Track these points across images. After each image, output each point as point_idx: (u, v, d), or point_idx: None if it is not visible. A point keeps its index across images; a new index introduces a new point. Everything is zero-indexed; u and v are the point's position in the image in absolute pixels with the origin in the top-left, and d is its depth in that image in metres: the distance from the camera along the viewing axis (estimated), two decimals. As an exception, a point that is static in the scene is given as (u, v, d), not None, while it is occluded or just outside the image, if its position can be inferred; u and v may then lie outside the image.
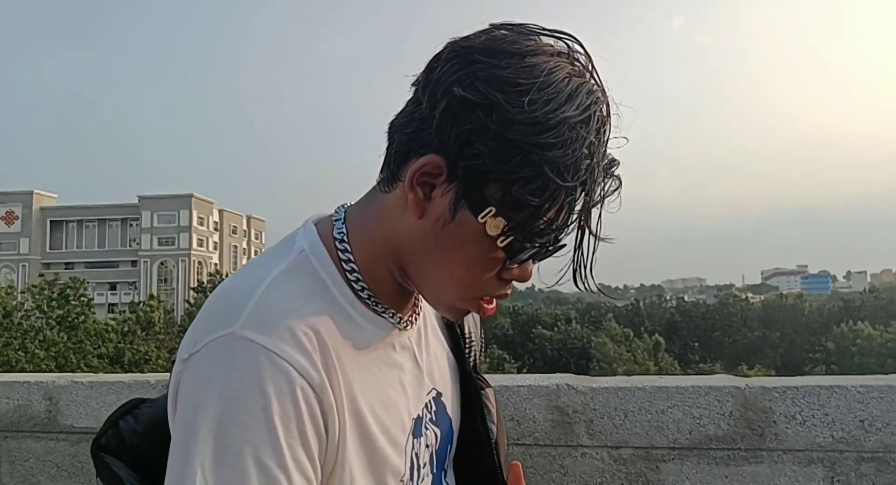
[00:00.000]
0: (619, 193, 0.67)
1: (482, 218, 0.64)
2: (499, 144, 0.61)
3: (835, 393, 1.74)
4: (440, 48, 0.66)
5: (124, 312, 42.95)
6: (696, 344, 56.85)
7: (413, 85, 0.68)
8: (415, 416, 0.75)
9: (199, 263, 69.35)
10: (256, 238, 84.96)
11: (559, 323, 50.65)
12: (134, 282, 68.08)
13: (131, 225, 69.62)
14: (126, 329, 37.24)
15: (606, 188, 0.66)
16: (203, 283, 54.50)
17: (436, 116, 0.63)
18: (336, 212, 0.75)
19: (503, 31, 0.64)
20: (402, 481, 0.72)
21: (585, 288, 0.68)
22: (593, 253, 0.67)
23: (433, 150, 0.64)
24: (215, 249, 73.36)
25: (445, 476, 0.84)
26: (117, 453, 0.72)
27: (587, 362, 42.09)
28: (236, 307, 0.64)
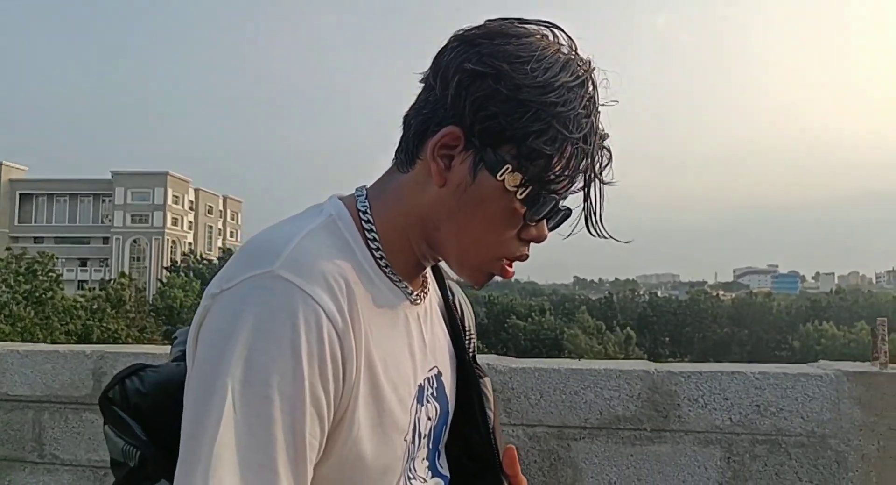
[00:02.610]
0: (611, 164, 0.76)
1: (500, 175, 0.71)
2: (510, 104, 0.69)
3: (735, 379, 1.85)
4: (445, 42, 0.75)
5: (94, 289, 42.19)
6: (667, 339, 57.67)
7: (421, 81, 0.76)
8: (420, 383, 0.80)
9: (173, 242, 68.33)
10: (232, 219, 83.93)
11: (533, 314, 51.01)
12: (105, 259, 66.89)
13: (104, 201, 68.18)
14: (95, 306, 36.61)
15: (603, 163, 0.75)
16: (176, 262, 53.82)
17: (449, 92, 0.71)
18: (357, 190, 0.81)
19: (497, 22, 0.74)
20: (405, 440, 0.76)
21: (597, 233, 0.76)
22: (601, 201, 0.75)
23: (449, 122, 0.72)
24: (190, 228, 72.33)
25: (439, 458, 0.87)
26: (122, 408, 0.76)
27: (559, 354, 42.49)
28: (273, 251, 0.68)
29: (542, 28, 0.75)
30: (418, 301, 0.82)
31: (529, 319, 49.64)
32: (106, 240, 67.46)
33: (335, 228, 0.75)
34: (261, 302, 0.65)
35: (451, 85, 0.71)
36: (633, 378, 1.89)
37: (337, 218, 0.76)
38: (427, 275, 0.87)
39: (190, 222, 72.42)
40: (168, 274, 48.00)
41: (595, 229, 0.76)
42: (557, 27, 0.75)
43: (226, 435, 0.61)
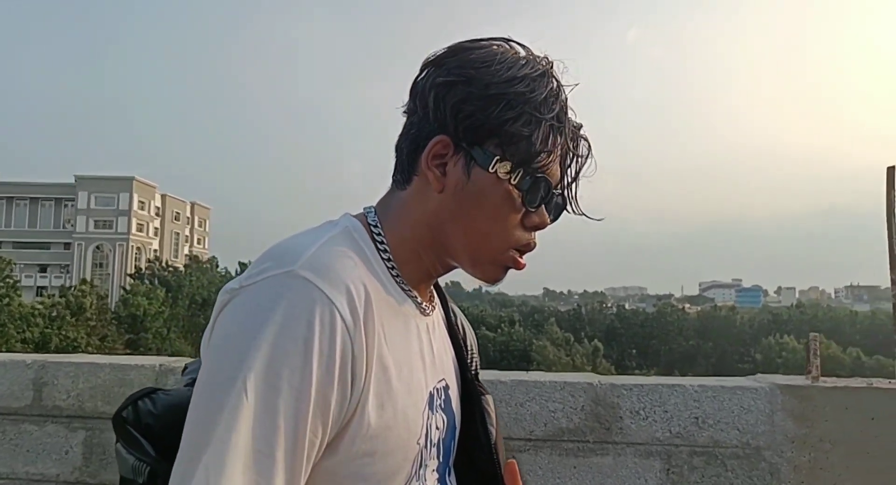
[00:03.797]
0: (591, 153, 0.84)
1: (492, 168, 0.78)
2: (484, 101, 0.77)
3: (675, 392, 1.89)
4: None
5: (54, 296, 40.96)
6: (634, 351, 58.40)
7: (404, 113, 0.84)
8: (430, 391, 0.82)
9: (138, 248, 66.85)
10: (200, 226, 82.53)
11: (503, 325, 51.20)
12: (66, 265, 65.10)
13: (66, 205, 66.44)
14: (54, 314, 35.63)
15: (580, 147, 0.83)
16: (141, 269, 52.56)
17: (430, 107, 0.79)
18: (365, 209, 0.86)
19: (457, 43, 0.83)
20: (417, 443, 0.78)
21: (573, 211, 0.85)
22: (577, 178, 0.84)
23: (436, 134, 0.79)
24: (156, 235, 70.85)
25: (449, 474, 0.88)
26: (134, 427, 0.79)
27: (528, 365, 42.67)
28: (295, 254, 0.72)
29: (497, 41, 0.83)
30: (427, 313, 0.86)
31: (499, 330, 49.77)
32: (67, 246, 65.67)
33: (352, 238, 0.79)
34: (279, 298, 0.68)
35: (429, 101, 0.79)
36: (578, 391, 1.92)
37: (352, 230, 0.80)
38: (433, 293, 0.91)
39: (156, 229, 70.98)
40: (132, 281, 46.80)
41: (571, 206, 0.84)
42: (513, 40, 0.83)
43: (234, 421, 0.64)
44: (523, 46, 0.83)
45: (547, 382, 1.92)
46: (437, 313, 0.92)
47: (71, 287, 41.16)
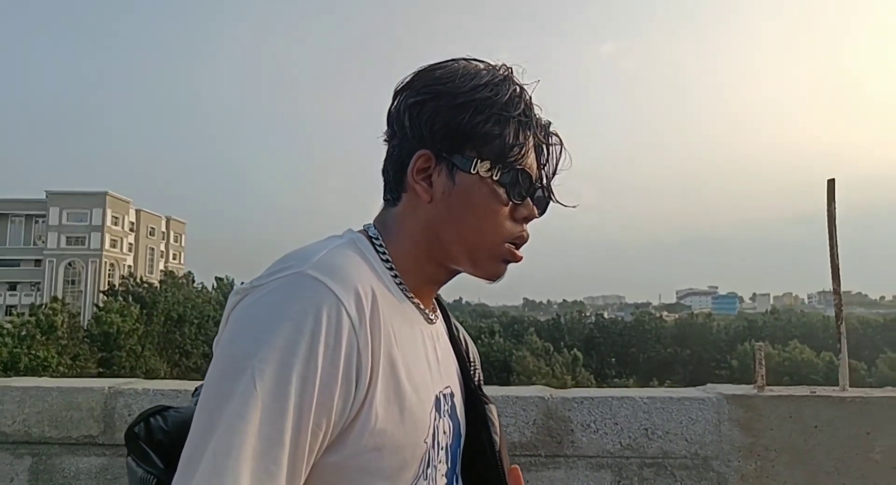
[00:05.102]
0: (564, 148, 0.90)
1: (474, 169, 0.84)
2: (454, 111, 0.83)
3: (624, 404, 1.91)
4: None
5: (23, 314, 39.93)
6: (613, 359, 58.66)
7: (385, 141, 0.90)
8: (437, 394, 0.84)
9: (112, 264, 65.60)
10: (176, 241, 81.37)
11: (483, 336, 51.11)
12: (37, 283, 63.65)
13: (37, 222, 65.13)
14: (24, 333, 34.74)
15: (551, 138, 0.89)
16: (115, 286, 51.59)
17: (407, 127, 0.85)
18: (365, 225, 0.91)
19: (419, 68, 0.89)
20: (425, 441, 0.80)
21: (548, 198, 0.90)
22: (552, 167, 0.90)
23: (417, 150, 0.85)
24: (130, 250, 69.64)
25: (456, 481, 0.90)
26: (146, 442, 0.83)
27: (508, 376, 42.66)
28: (304, 258, 0.76)
29: (457, 59, 0.88)
30: (432, 321, 0.90)
31: (479, 342, 49.62)
32: (38, 262, 64.19)
33: (357, 248, 0.83)
34: (289, 294, 0.72)
35: (405, 122, 0.85)
36: (529, 405, 1.93)
37: (357, 241, 0.85)
38: (436, 305, 0.94)
39: (130, 244, 69.75)
40: (105, 298, 45.80)
41: (545, 194, 0.89)
42: (469, 57, 0.89)
43: (242, 408, 0.66)
44: (481, 61, 0.88)
45: (499, 396, 1.93)
46: (440, 324, 0.95)
47: (42, 305, 40.13)
